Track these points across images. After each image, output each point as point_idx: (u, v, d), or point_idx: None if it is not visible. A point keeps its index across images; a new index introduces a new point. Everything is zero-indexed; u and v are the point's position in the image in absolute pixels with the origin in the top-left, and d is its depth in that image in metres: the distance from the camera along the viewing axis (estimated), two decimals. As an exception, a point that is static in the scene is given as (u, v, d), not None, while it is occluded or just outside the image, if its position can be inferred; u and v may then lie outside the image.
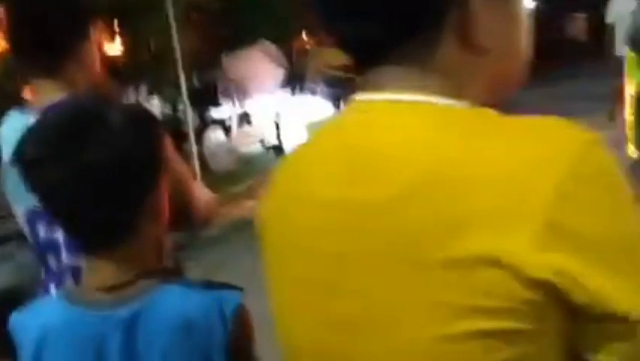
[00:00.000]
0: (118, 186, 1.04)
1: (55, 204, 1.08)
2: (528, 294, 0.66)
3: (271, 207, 0.90)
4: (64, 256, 1.55)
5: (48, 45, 1.62)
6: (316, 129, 0.92)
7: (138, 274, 1.10)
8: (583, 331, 0.69)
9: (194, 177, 5.03)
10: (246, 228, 6.66)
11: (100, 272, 1.11)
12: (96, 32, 1.72)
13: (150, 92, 8.00)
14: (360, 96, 0.85)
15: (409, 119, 0.78)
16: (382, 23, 0.79)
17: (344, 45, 0.85)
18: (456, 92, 0.80)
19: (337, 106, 9.74)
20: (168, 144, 1.25)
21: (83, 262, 1.37)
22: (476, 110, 0.78)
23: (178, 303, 1.09)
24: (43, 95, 1.62)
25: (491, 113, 0.77)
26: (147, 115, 1.17)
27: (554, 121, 0.73)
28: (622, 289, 0.67)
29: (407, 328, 0.72)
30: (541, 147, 0.70)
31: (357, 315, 0.77)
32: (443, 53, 0.80)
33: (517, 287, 0.66)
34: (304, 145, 0.92)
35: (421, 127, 0.77)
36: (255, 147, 9.59)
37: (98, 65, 1.73)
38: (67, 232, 1.15)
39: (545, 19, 10.46)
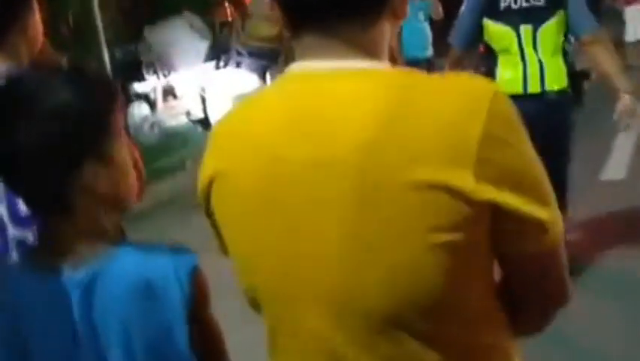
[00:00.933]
0: (61, 151, 1.07)
1: (4, 171, 1.10)
2: (470, 211, 0.86)
3: (228, 165, 0.98)
4: (10, 230, 1.57)
5: None
6: (256, 95, 1.02)
7: (94, 237, 1.13)
8: (506, 232, 0.91)
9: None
10: (174, 202, 6.62)
11: (55, 238, 1.13)
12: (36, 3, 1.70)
13: (72, 67, 7.81)
14: (299, 65, 0.96)
15: (353, 84, 0.92)
16: None
17: (291, 4, 0.95)
18: (380, 55, 0.96)
19: (262, 77, 9.73)
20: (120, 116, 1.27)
21: (29, 235, 1.40)
22: (406, 72, 0.94)
23: (135, 265, 1.12)
24: None
25: (418, 72, 0.94)
26: (98, 79, 1.19)
27: (465, 76, 0.92)
28: (531, 203, 0.90)
29: (380, 253, 0.89)
30: (464, 98, 0.89)
31: (332, 251, 0.91)
32: (380, 23, 0.95)
33: (463, 206, 0.86)
34: (246, 110, 1.01)
35: (366, 90, 0.91)
36: (181, 121, 9.51)
37: (41, 36, 1.71)
38: (19, 198, 1.17)
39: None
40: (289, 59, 1.01)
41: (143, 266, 1.13)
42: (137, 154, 1.60)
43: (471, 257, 0.90)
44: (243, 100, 1.04)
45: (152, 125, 8.96)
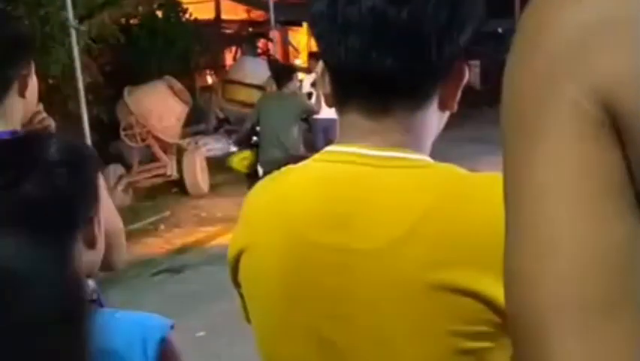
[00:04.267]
0: (50, 225, 1.05)
1: None
2: (500, 321, 0.83)
3: (258, 242, 0.99)
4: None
5: None
6: (293, 172, 1.02)
7: None
8: None
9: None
10: (146, 266, 6.55)
11: None
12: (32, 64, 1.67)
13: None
14: (340, 147, 0.98)
15: (390, 177, 0.93)
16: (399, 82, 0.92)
17: (340, 76, 0.95)
18: (423, 145, 0.97)
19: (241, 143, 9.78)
20: (101, 182, 1.26)
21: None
22: (445, 166, 0.95)
23: (100, 332, 1.09)
24: None
25: (456, 168, 0.94)
26: (85, 153, 1.19)
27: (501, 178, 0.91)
28: None
29: (399, 349, 0.88)
30: (497, 204, 0.84)
31: (353, 339, 0.91)
32: (426, 111, 0.96)
33: (492, 315, 0.83)
34: (281, 186, 1.02)
35: (404, 182, 0.92)
36: (156, 183, 9.48)
37: (36, 98, 1.68)
38: None
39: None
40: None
41: (108, 335, 1.10)
42: (112, 224, 1.57)
43: None
44: (278, 174, 1.05)
45: (126, 187, 8.90)
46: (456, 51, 0.94)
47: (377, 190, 0.92)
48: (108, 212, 1.61)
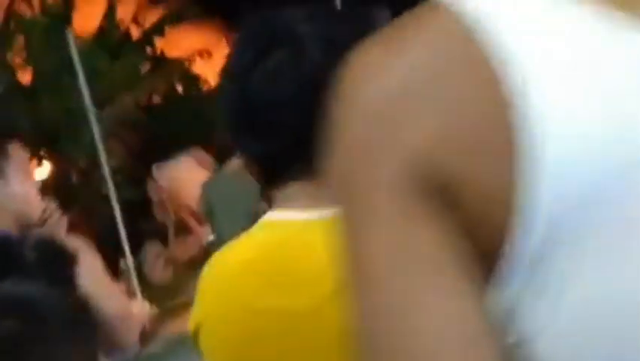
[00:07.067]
0: None
1: None
2: None
3: (210, 315, 1.03)
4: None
5: None
6: (236, 243, 1.07)
7: None
8: None
9: (133, 294, 5.02)
10: (190, 341, 6.54)
11: None
12: (21, 154, 1.69)
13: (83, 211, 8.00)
14: (272, 215, 1.04)
15: (320, 235, 0.91)
16: (286, 143, 0.96)
17: (254, 162, 1.02)
18: None
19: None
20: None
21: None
22: None
23: None
24: None
25: None
26: (60, 252, 1.22)
27: None
28: None
29: None
30: None
31: None
32: None
33: None
34: (225, 259, 1.06)
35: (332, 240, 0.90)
36: (194, 254, 9.52)
37: (26, 188, 1.69)
38: None
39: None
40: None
41: None
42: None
43: None
44: (226, 247, 1.11)
45: (165, 263, 8.96)
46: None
47: (309, 250, 0.97)
48: (108, 299, 1.60)
